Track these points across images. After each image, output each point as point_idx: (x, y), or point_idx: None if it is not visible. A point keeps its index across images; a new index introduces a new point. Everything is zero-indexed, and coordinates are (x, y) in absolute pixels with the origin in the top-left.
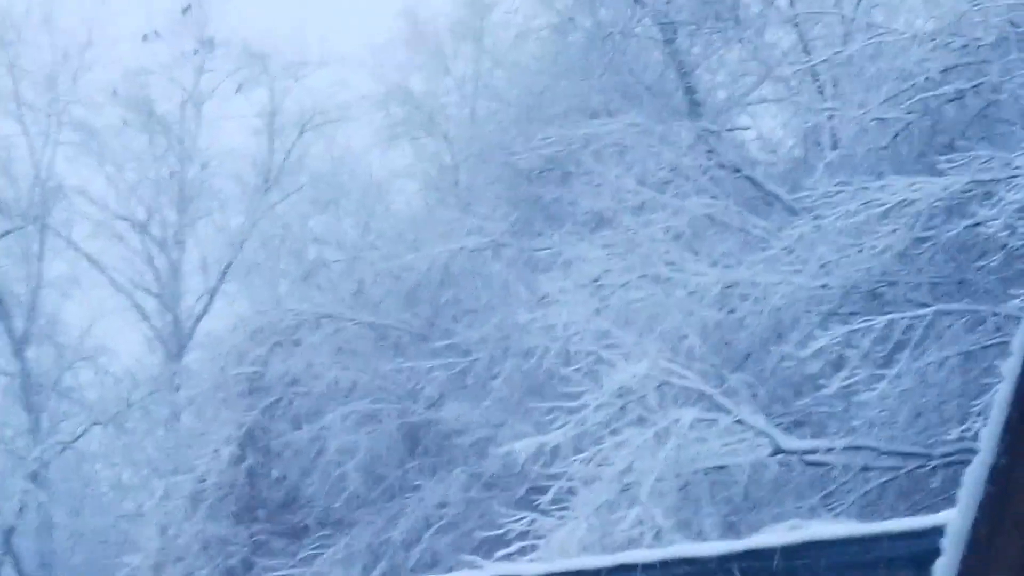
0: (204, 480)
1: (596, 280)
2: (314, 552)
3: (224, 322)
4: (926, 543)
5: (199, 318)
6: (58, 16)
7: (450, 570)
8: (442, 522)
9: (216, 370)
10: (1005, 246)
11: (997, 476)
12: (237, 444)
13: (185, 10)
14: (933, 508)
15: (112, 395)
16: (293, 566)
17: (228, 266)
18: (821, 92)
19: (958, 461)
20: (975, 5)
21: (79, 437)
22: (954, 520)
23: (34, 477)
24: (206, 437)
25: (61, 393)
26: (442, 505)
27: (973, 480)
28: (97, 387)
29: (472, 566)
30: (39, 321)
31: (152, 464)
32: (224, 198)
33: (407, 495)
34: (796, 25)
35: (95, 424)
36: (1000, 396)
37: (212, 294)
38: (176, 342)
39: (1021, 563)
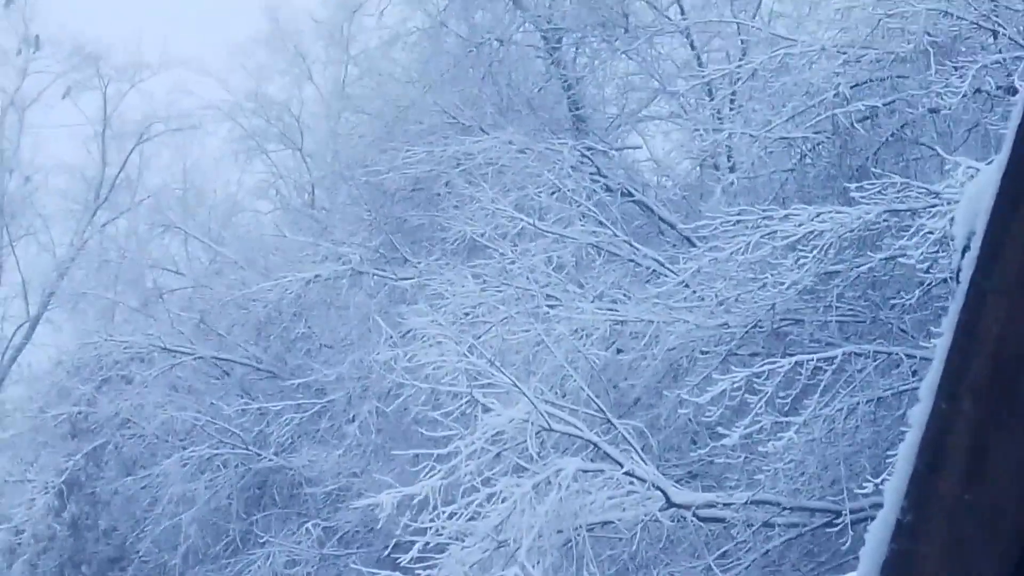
0: (21, 532)
1: (468, 314)
2: None
3: (46, 355)
4: None
5: (19, 350)
6: None
7: None
8: None
9: (35, 409)
10: (923, 283)
11: (902, 534)
12: (57, 493)
13: (7, 3)
14: (841, 569)
15: None
16: None
17: (53, 292)
18: (718, 111)
19: (870, 518)
20: (889, 16)
21: None
22: None
23: None
24: (23, 485)
25: None
26: (292, 563)
27: (876, 538)
28: None
29: None
30: None
31: None
32: (49, 215)
33: (252, 551)
34: (689, 38)
35: None
36: (905, 445)
37: (34, 323)
38: None
39: None
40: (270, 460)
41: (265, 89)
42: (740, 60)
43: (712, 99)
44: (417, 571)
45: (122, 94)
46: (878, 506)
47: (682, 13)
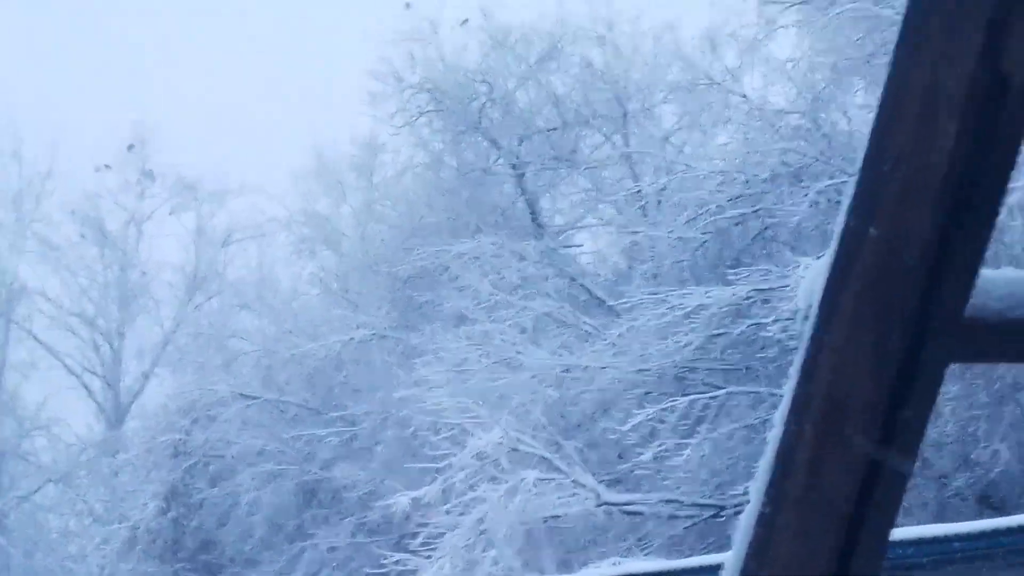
0: (136, 528)
1: (459, 365)
2: None
3: (156, 399)
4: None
5: (136, 395)
6: (25, 150)
7: None
8: (334, 563)
9: (148, 437)
10: (780, 341)
11: (763, 522)
12: (163, 498)
13: (130, 147)
14: (723, 548)
15: (63, 458)
16: None
17: (160, 354)
18: (645, 215)
19: (742, 511)
20: (754, 150)
21: (34, 492)
22: (731, 558)
23: None
24: (138, 493)
25: (20, 456)
26: (333, 548)
27: (745, 525)
28: (50, 451)
29: None
30: (2, 397)
31: (94, 515)
32: (159, 299)
33: (304, 540)
34: (629, 162)
35: (48, 481)
36: (765, 458)
37: (147, 376)
38: (116, 414)
39: None
40: (316, 473)
41: (313, 207)
42: (654, 181)
43: (641, 207)
44: (422, 553)
45: (211, 212)
46: (748, 502)
47: (625, 143)
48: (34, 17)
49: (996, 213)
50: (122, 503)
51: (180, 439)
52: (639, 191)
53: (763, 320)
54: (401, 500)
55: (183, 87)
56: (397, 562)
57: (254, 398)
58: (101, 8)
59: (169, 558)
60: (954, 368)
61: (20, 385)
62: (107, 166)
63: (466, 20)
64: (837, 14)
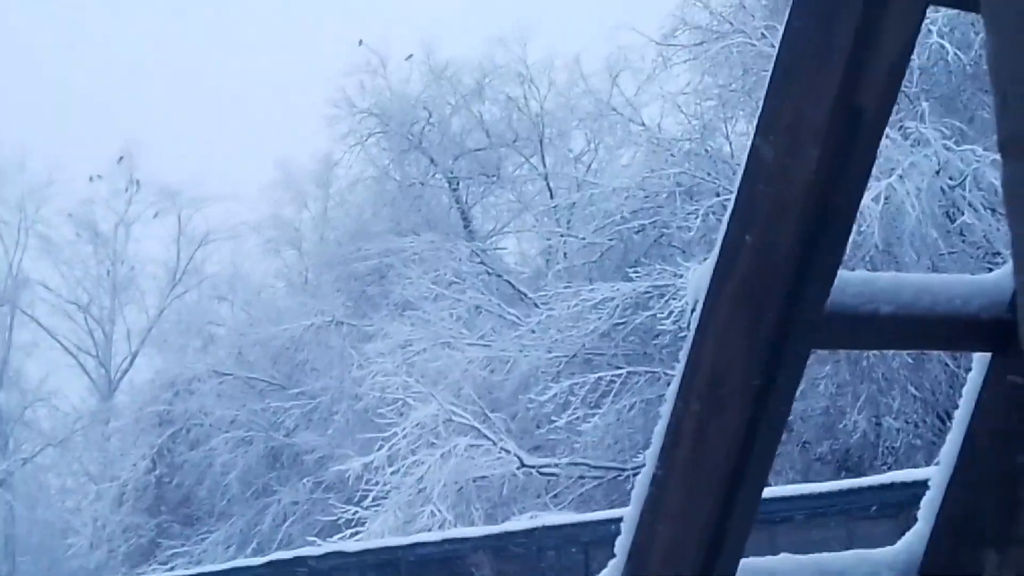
0: (126, 486)
1: (403, 348)
2: (203, 536)
3: (143, 375)
4: (616, 528)
5: (125, 372)
6: (28, 162)
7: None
8: (295, 515)
9: (136, 408)
10: (672, 331)
11: (656, 482)
12: (149, 460)
13: (120, 160)
14: (625, 503)
15: (61, 425)
16: (188, 546)
17: (145, 337)
18: (558, 223)
19: (640, 472)
20: (653, 171)
21: (36, 455)
22: (629, 512)
23: (2, 483)
24: (127, 455)
25: (24, 423)
26: (295, 503)
27: (642, 485)
28: (50, 420)
29: (315, 544)
30: (8, 374)
31: (88, 474)
32: (145, 290)
33: (269, 497)
34: (546, 179)
35: (48, 445)
36: (658, 428)
37: (134, 357)
38: (108, 389)
39: (671, 543)
40: (281, 440)
41: (279, 212)
42: (574, 193)
43: (556, 216)
44: (371, 508)
45: (191, 216)
46: (644, 465)
47: (543, 163)
48: (37, 48)
49: (851, 224)
50: (113, 464)
51: (164, 410)
52: (555, 204)
53: (658, 312)
54: (353, 463)
55: (167, 107)
56: (349, 514)
57: (227, 375)
58: (94, 34)
59: (154, 511)
60: (824, 352)
61: (24, 363)
62: (99, 176)
63: (410, 56)
64: (723, 47)
